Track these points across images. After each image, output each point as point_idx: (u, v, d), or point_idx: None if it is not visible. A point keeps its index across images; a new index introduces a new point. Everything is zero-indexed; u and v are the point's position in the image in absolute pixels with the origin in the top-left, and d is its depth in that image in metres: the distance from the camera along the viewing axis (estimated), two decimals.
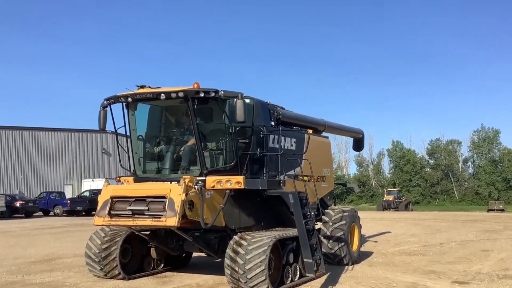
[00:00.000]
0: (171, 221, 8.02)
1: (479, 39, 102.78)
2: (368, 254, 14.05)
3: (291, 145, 11.14)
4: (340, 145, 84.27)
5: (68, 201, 40.08)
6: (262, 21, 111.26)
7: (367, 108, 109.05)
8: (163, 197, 8.26)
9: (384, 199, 59.68)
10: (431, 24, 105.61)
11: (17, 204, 36.70)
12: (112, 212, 8.58)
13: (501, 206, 52.72)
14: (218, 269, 10.58)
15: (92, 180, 46.84)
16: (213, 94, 9.01)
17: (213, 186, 9.02)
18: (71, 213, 39.56)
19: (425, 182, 75.42)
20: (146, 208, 8.35)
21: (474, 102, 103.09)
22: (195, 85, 9.09)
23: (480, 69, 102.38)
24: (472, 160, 79.96)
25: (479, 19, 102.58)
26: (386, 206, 56.69)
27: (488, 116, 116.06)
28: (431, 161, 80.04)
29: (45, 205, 40.52)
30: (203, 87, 9.05)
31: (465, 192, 74.71)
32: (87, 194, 41.01)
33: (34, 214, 38.61)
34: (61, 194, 43.08)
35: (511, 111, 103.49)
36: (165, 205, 8.16)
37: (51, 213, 40.26)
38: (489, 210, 52.39)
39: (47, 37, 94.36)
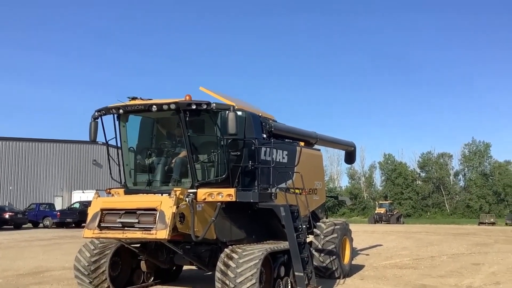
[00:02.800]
0: (161, 233, 7.95)
1: (470, 53, 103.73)
2: (359, 268, 14.01)
3: (283, 158, 11.11)
4: (332, 158, 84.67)
5: (58, 213, 39.71)
6: (253, 34, 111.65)
7: (359, 121, 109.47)
8: (154, 209, 8.19)
9: (376, 211, 59.88)
10: (422, 39, 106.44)
11: (6, 216, 36.26)
12: (102, 225, 8.49)
13: (492, 220, 52.96)
14: (209, 282, 10.46)
15: (83, 192, 46.52)
16: (205, 106, 8.99)
17: (204, 199, 8.95)
18: (61, 225, 39.21)
19: (416, 195, 75.69)
20: (137, 220, 8.27)
21: (465, 115, 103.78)
22: (187, 97, 9.06)
23: (470, 83, 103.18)
24: (463, 173, 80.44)
25: (468, 34, 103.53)
26: (378, 219, 56.81)
27: (479, 129, 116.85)
28: (423, 174, 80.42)
29: (35, 217, 40.13)
30: (195, 99, 9.04)
31: (456, 205, 75.01)
32: (77, 205, 40.67)
33: (23, 226, 38.22)
34: (51, 205, 42.74)
35: (502, 124, 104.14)
36: (155, 217, 8.08)
37: (41, 224, 39.89)
38: (480, 223, 52.59)
39: (37, 48, 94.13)
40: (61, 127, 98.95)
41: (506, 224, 52.44)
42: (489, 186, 72.73)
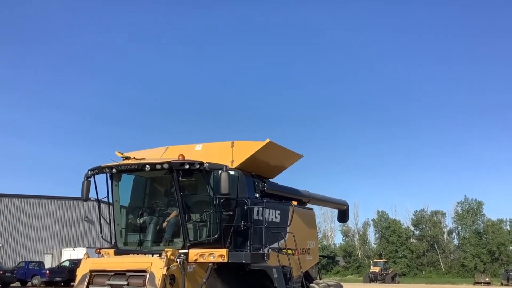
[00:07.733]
0: None
1: (462, 113, 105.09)
2: None
3: (276, 217, 11.06)
4: (326, 215, 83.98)
5: (47, 272, 38.89)
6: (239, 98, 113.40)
7: (352, 178, 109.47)
8: (144, 271, 8.08)
9: (371, 270, 59.23)
10: (414, 96, 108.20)
11: None
12: (90, 287, 8.34)
13: (487, 279, 52.37)
14: None
15: (73, 249, 45.71)
16: (197, 166, 9.05)
17: (196, 260, 8.86)
18: (50, 284, 38.29)
19: (411, 253, 74.91)
20: (126, 283, 8.14)
21: (457, 173, 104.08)
22: (180, 157, 9.13)
23: (462, 141, 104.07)
24: (456, 232, 79.93)
25: (460, 95, 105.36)
26: (373, 278, 56.10)
27: (471, 187, 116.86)
28: (416, 232, 79.82)
29: (23, 275, 39.20)
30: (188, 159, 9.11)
31: (451, 264, 74.21)
32: (67, 264, 39.93)
33: (12, 285, 37.33)
34: (40, 263, 41.89)
35: (494, 183, 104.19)
36: (145, 279, 7.97)
37: (29, 283, 38.99)
38: (476, 283, 51.99)
39: (30, 103, 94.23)
40: (52, 182, 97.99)
41: (501, 284, 51.78)
42: (483, 245, 72.11)
